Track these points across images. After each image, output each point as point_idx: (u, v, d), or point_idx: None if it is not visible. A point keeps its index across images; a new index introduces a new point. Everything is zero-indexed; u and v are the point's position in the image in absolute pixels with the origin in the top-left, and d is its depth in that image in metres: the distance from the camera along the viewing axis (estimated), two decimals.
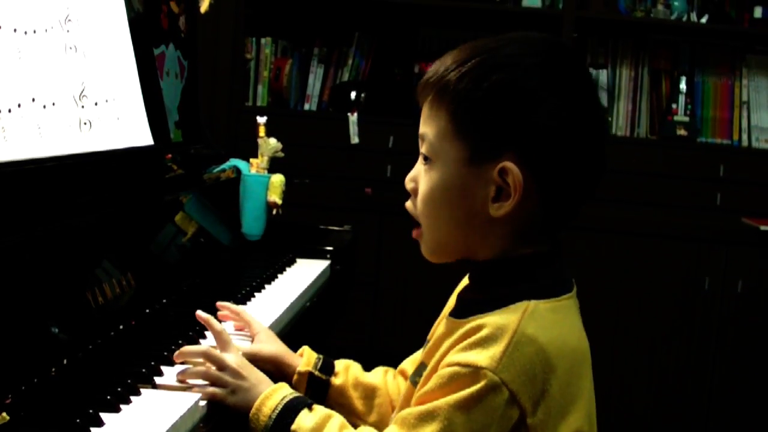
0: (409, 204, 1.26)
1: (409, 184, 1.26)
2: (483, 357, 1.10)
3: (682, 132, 3.47)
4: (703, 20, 3.47)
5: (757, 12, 3.45)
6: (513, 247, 1.19)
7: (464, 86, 1.15)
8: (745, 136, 3.50)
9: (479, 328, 1.13)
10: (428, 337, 1.30)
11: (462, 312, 1.21)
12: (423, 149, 1.22)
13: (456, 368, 1.12)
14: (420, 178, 1.23)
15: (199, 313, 1.39)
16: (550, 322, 1.15)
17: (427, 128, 1.21)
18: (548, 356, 1.12)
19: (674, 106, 3.51)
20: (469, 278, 1.28)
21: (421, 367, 1.26)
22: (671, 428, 3.34)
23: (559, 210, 1.19)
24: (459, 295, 1.29)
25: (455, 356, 1.13)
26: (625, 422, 3.31)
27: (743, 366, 3.30)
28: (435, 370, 1.16)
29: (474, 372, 1.10)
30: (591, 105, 1.19)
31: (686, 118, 3.49)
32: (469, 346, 1.13)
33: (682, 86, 3.52)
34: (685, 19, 3.48)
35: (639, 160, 3.37)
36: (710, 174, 3.39)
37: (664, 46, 3.57)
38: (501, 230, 1.18)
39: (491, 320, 1.13)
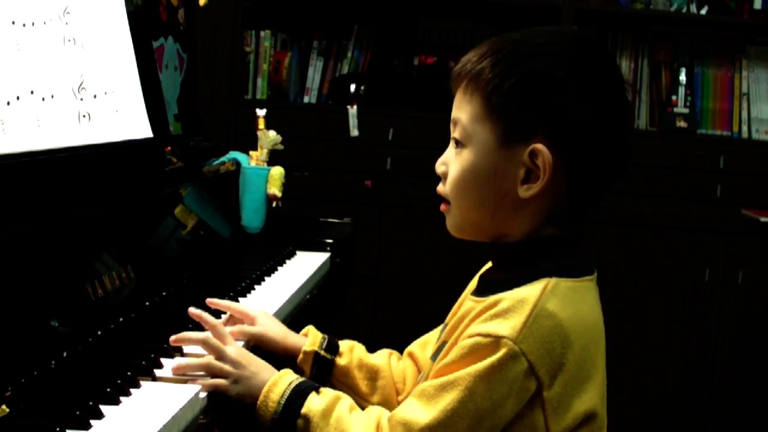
0: (440, 187, 1.29)
1: (440, 168, 1.29)
2: (504, 327, 1.14)
3: (682, 124, 3.47)
4: (703, 11, 3.47)
5: (757, 3, 3.43)
6: (541, 227, 1.23)
7: (498, 72, 1.20)
8: (745, 128, 3.49)
9: (500, 300, 1.17)
10: (447, 320, 1.33)
11: (484, 291, 1.24)
12: (455, 134, 1.26)
13: (477, 338, 1.15)
14: (451, 161, 1.26)
15: (191, 310, 1.40)
16: (570, 299, 1.18)
17: (460, 113, 1.24)
18: (566, 332, 1.15)
19: (674, 97, 3.50)
20: (492, 260, 1.31)
21: (442, 346, 1.27)
22: (672, 419, 3.34)
23: (586, 193, 1.23)
24: (481, 276, 1.32)
25: (476, 327, 1.16)
26: (626, 413, 3.31)
27: (744, 357, 3.30)
28: (455, 345, 1.18)
29: (495, 341, 1.13)
30: (618, 94, 1.24)
31: (686, 110, 3.48)
32: (490, 317, 1.16)
33: (682, 78, 3.51)
34: (684, 10, 3.47)
35: (639, 152, 3.31)
36: (710, 165, 3.39)
37: (663, 37, 3.56)
38: (529, 211, 1.22)
39: (512, 294, 1.17)
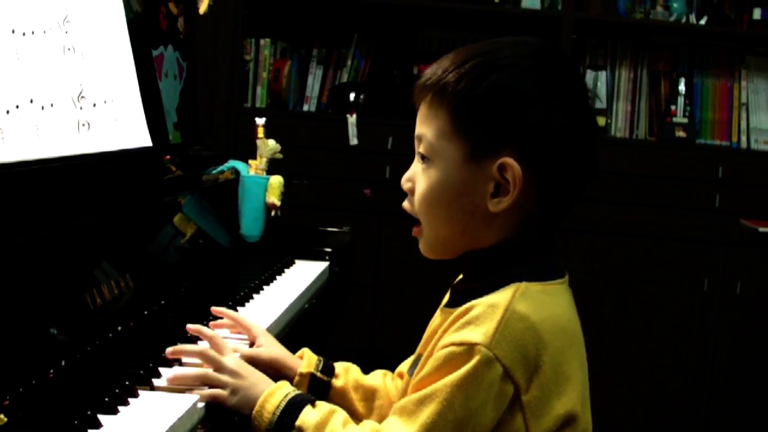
0: (406, 204, 1.29)
1: (405, 184, 1.28)
2: (476, 334, 1.13)
3: (681, 133, 3.47)
4: (702, 22, 3.47)
5: (756, 13, 3.45)
6: (511, 237, 1.22)
7: (463, 86, 1.19)
8: (744, 138, 3.50)
9: (471, 308, 1.16)
10: (425, 335, 1.32)
11: (455, 302, 1.23)
12: (421, 149, 1.25)
13: (451, 348, 1.14)
14: (417, 177, 1.25)
15: (189, 326, 1.40)
16: (541, 302, 1.18)
17: (424, 128, 1.23)
18: (539, 334, 1.15)
19: (673, 107, 3.51)
20: (463, 271, 1.30)
21: (418, 359, 1.27)
22: (670, 428, 3.34)
23: (555, 205, 1.22)
24: (453, 287, 1.31)
25: (450, 337, 1.16)
26: (624, 423, 3.31)
27: (742, 367, 3.30)
28: (430, 357, 1.18)
29: (468, 349, 1.13)
30: (583, 105, 1.23)
31: (685, 120, 3.49)
32: (462, 325, 1.15)
33: (681, 88, 3.52)
34: (684, 20, 3.48)
35: (638, 162, 3.37)
36: (709, 175, 3.39)
37: (663, 47, 3.57)
38: (499, 224, 1.21)
39: (483, 300, 1.17)
